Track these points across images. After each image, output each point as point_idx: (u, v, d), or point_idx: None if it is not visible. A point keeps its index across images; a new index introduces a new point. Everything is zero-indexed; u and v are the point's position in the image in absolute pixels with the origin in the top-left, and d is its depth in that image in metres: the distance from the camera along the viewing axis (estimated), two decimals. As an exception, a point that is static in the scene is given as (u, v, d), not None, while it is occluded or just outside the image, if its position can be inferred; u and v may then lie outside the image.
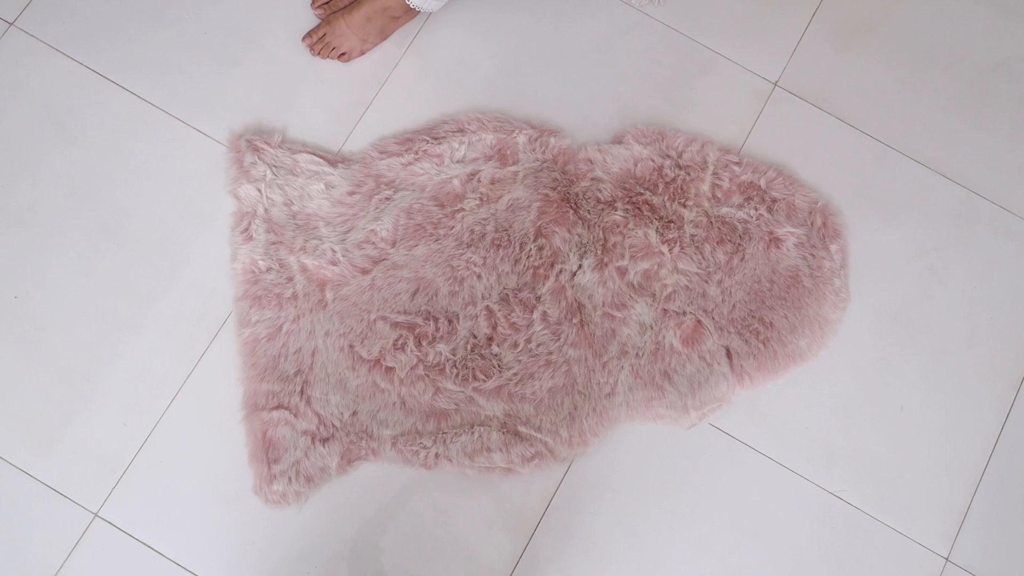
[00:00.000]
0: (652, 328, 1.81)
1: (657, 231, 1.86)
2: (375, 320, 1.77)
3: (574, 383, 1.77)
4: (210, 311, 1.79)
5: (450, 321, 1.78)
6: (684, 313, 1.82)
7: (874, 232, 1.94)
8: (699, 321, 1.82)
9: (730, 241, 1.87)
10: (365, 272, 1.80)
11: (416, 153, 1.89)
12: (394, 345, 1.76)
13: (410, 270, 1.80)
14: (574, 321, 1.79)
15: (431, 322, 1.78)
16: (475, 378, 1.76)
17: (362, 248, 1.82)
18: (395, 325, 1.77)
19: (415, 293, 1.80)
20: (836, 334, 1.86)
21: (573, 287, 1.82)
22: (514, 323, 1.79)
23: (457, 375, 1.75)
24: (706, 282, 1.84)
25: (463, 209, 1.86)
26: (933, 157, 2.00)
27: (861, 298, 1.90)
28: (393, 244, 1.82)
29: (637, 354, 1.80)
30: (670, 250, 1.85)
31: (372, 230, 1.82)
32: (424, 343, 1.77)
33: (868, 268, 1.92)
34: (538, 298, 1.81)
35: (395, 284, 1.79)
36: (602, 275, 1.82)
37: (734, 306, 1.84)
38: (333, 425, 1.72)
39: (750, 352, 1.81)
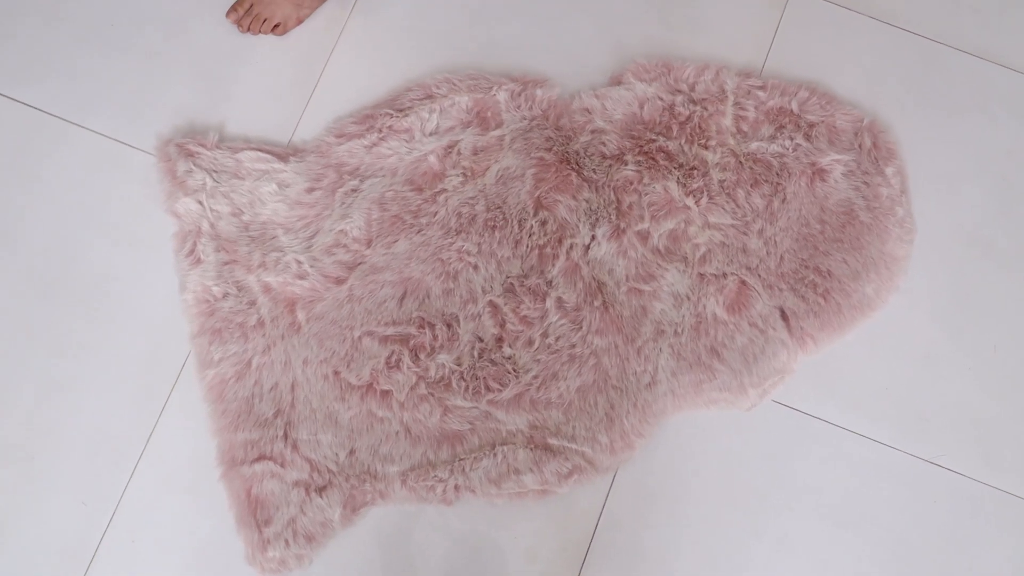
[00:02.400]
0: (689, 298, 1.51)
1: (678, 182, 1.56)
2: (360, 337, 1.48)
3: (606, 377, 1.48)
4: (164, 355, 1.50)
5: (449, 325, 1.49)
6: (724, 275, 1.52)
7: (933, 145, 1.63)
8: (743, 282, 1.52)
9: (766, 182, 1.56)
10: (340, 282, 1.51)
11: (380, 131, 1.58)
12: (387, 364, 1.46)
13: (393, 272, 1.50)
14: (596, 304, 1.49)
15: (427, 330, 1.48)
16: (488, 389, 1.46)
17: (332, 254, 1.52)
18: (385, 340, 1.48)
19: (403, 298, 1.50)
20: (906, 273, 1.56)
21: (589, 263, 1.52)
22: (525, 317, 1.49)
23: (467, 388, 1.46)
24: (745, 234, 1.54)
25: (445, 190, 1.55)
26: (989, 46, 1.68)
27: (929, 226, 1.60)
28: (368, 244, 1.52)
29: (676, 332, 1.50)
30: (697, 202, 1.54)
31: (341, 231, 1.52)
32: (422, 356, 1.47)
33: (932, 189, 1.61)
34: (549, 283, 1.51)
35: (378, 291, 1.50)
36: (621, 244, 1.52)
37: (782, 258, 1.54)
38: (329, 470, 1.44)
39: (809, 310, 1.51)
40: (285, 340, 1.49)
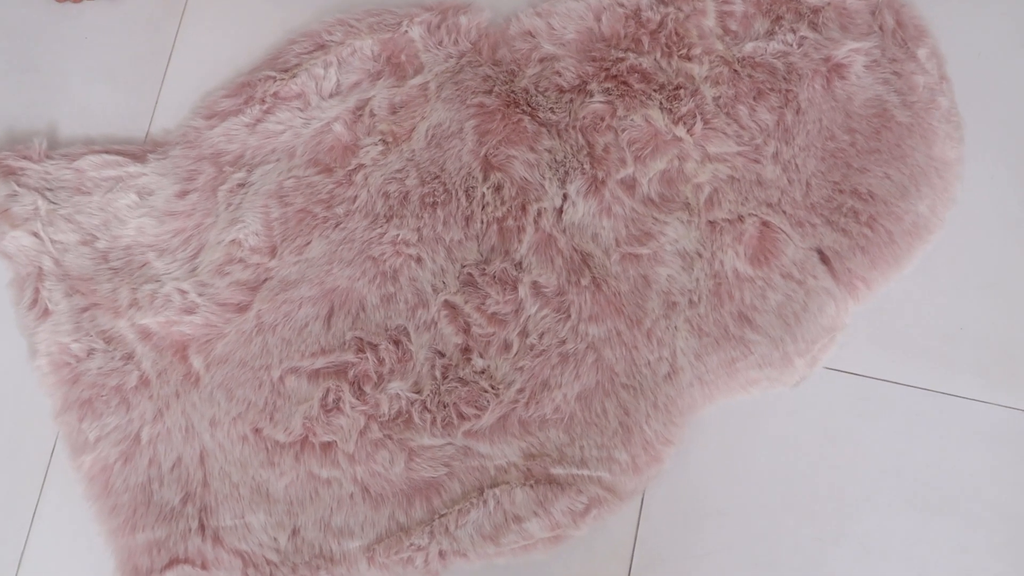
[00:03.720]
0: (701, 255, 1.16)
1: (662, 108, 1.20)
2: (281, 377, 1.11)
3: (612, 376, 1.12)
4: (24, 446, 1.11)
5: (397, 343, 1.12)
6: (740, 218, 1.17)
7: (969, 15, 1.29)
8: (765, 223, 1.17)
9: (772, 91, 1.21)
10: (243, 309, 1.13)
11: (263, 102, 1.19)
12: (323, 407, 1.09)
13: (311, 284, 1.13)
14: (583, 282, 1.14)
15: (368, 353, 1.11)
16: (462, 417, 1.10)
17: (226, 273, 1.13)
18: (315, 376, 1.11)
19: (330, 317, 1.13)
20: (961, 179, 1.23)
21: (565, 232, 1.16)
22: (494, 315, 1.13)
23: (434, 421, 1.10)
24: (757, 162, 1.19)
25: (363, 165, 1.18)
26: None
27: (978, 117, 1.26)
28: (272, 252, 1.14)
29: (692, 301, 1.15)
30: (689, 131, 1.19)
31: (233, 241, 1.14)
32: (368, 389, 1.10)
33: (975, 71, 1.28)
34: (518, 265, 1.15)
35: (295, 313, 1.12)
36: (602, 200, 1.16)
37: (808, 185, 1.19)
38: (268, 561, 1.07)
39: (853, 245, 1.17)
40: (181, 398, 1.10)
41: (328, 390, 1.10)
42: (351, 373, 1.11)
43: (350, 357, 1.11)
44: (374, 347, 1.12)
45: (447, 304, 1.14)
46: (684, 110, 1.20)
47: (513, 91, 1.20)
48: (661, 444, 1.12)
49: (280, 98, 1.20)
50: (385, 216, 1.16)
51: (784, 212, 1.18)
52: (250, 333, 1.12)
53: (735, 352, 1.15)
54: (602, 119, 1.19)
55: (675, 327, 1.15)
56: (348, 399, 1.10)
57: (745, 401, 1.17)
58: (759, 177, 1.19)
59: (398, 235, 1.15)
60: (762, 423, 1.18)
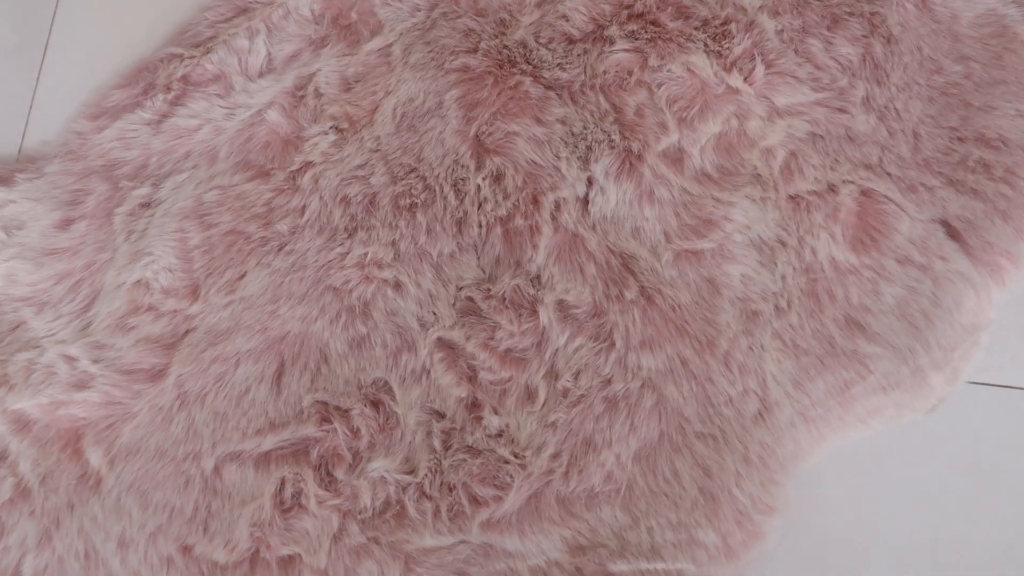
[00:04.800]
0: (785, 244, 0.84)
1: (707, 51, 0.88)
2: (217, 468, 0.78)
3: (682, 422, 0.80)
4: None
5: (376, 404, 0.80)
6: (831, 188, 0.85)
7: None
8: (865, 192, 0.85)
9: (851, 15, 0.90)
10: (157, 376, 0.80)
11: (168, 90, 0.88)
12: (279, 506, 0.77)
13: (250, 333, 0.81)
14: (627, 296, 0.81)
15: (337, 423, 0.79)
16: (476, 501, 0.78)
17: (131, 328, 0.81)
18: (264, 461, 0.78)
19: (279, 376, 0.80)
20: (1117, 109, 0.91)
21: (595, 228, 0.84)
22: (508, 352, 0.81)
23: (437, 511, 0.77)
24: (843, 111, 0.87)
25: (310, 163, 0.86)
26: None
27: None
28: (193, 293, 0.82)
29: (778, 308, 0.83)
30: (747, 78, 0.87)
31: (139, 281, 0.82)
32: (340, 472, 0.78)
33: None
34: (535, 280, 0.83)
35: (230, 375, 0.80)
36: (640, 182, 0.85)
37: (917, 135, 0.87)
38: None
39: (989, 209, 0.85)
40: (77, 511, 0.78)
41: (284, 481, 0.78)
42: (314, 453, 0.79)
43: (311, 431, 0.79)
44: (344, 413, 0.80)
45: (442, 343, 0.81)
46: (738, 51, 0.88)
47: (506, 46, 0.89)
48: (760, 514, 0.79)
49: (192, 83, 0.88)
50: (346, 229, 0.84)
51: (889, 175, 0.86)
52: (169, 409, 0.80)
53: (847, 373, 0.82)
54: (629, 73, 0.88)
55: (761, 346, 0.82)
56: (313, 491, 0.77)
57: (865, 440, 0.84)
58: (849, 131, 0.87)
59: (366, 253, 0.83)
60: (891, 467, 0.85)
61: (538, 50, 0.89)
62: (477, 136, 0.86)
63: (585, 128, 0.86)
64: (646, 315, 0.81)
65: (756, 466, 0.80)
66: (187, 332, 0.82)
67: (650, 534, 0.78)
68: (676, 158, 0.87)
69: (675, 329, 0.81)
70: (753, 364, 0.82)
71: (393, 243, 0.83)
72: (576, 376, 0.81)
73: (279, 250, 0.84)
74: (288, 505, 0.78)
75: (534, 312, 0.82)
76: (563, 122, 0.87)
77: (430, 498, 0.77)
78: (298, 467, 0.78)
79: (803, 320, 0.83)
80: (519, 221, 0.84)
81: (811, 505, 0.83)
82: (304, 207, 0.85)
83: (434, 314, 0.82)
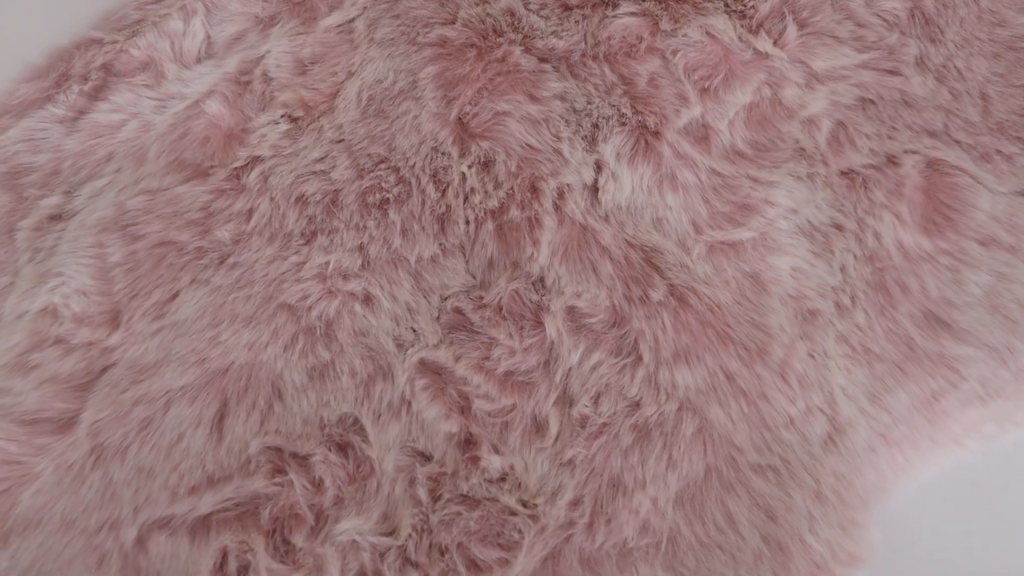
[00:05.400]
0: (840, 228, 0.69)
1: (728, 11, 0.75)
2: (141, 539, 0.60)
3: (732, 452, 0.63)
4: None
5: (343, 447, 0.63)
6: (890, 160, 0.70)
7: None
8: (932, 163, 0.70)
9: (893, -36, 0.76)
10: (66, 426, 0.63)
11: (85, 80, 0.73)
12: (219, 586, 0.59)
13: (183, 366, 0.64)
14: (654, 297, 0.65)
15: (294, 473, 0.61)
16: (476, 567, 0.60)
17: (33, 366, 0.65)
18: (201, 528, 0.61)
19: (221, 420, 0.64)
20: None
21: (608, 219, 0.68)
22: (509, 375, 0.64)
23: None
24: (894, 73, 0.73)
25: (258, 159, 0.71)
26: None
27: None
28: (113, 321, 0.66)
29: (840, 305, 0.67)
30: (777, 41, 0.73)
31: (45, 309, 0.66)
32: (299, 538, 0.60)
33: None
34: (539, 283, 0.67)
35: (158, 421, 0.63)
36: (659, 164, 0.70)
37: (985, 96, 0.73)
38: None
39: (1084, 178, 0.70)
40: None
41: (226, 552, 0.60)
42: (265, 514, 0.61)
43: (261, 485, 0.62)
44: (303, 461, 0.62)
45: (425, 367, 0.65)
46: (764, 10, 0.74)
47: (490, 14, 0.75)
48: (842, 565, 0.62)
49: (115, 72, 0.74)
50: (303, 234, 0.68)
51: (958, 143, 0.71)
52: (80, 468, 0.63)
53: (935, 382, 0.66)
54: (639, 39, 0.73)
55: (824, 353, 0.66)
56: (264, 564, 0.59)
57: (962, 465, 0.67)
58: (904, 95, 0.73)
59: (328, 262, 0.67)
60: (995, 497, 0.67)
61: (528, 17, 0.75)
62: (459, 119, 0.71)
63: (589, 103, 0.72)
64: (678, 320, 0.65)
65: (832, 504, 0.62)
66: (104, 369, 0.65)
67: (703, 600, 0.60)
68: (701, 135, 0.72)
69: (716, 336, 0.65)
70: (816, 375, 0.65)
71: (361, 248, 0.68)
72: (596, 401, 0.64)
73: (220, 263, 0.68)
74: (233, 584, 0.60)
75: (539, 323, 0.66)
76: (562, 98, 0.72)
77: (416, 566, 0.60)
78: (245, 533, 0.61)
79: (872, 319, 0.67)
80: (515, 213, 0.68)
81: (898, 551, 0.66)
82: (251, 210, 0.69)
83: (414, 331, 0.66)
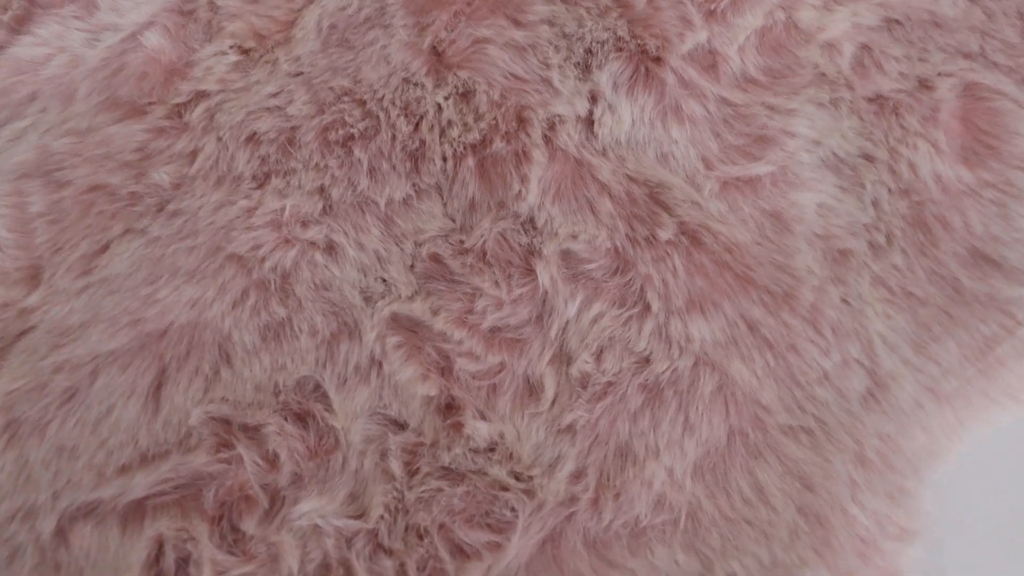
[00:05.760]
0: (870, 158, 0.60)
1: (733, -73, 0.66)
2: (61, 530, 0.50)
3: (758, 411, 0.54)
4: None
5: (302, 417, 0.53)
6: (924, 84, 0.62)
7: None
8: (969, 86, 0.62)
9: None
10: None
11: (5, 10, 0.64)
12: (154, 583, 0.49)
13: (113, 328, 0.54)
14: (661, 236, 0.56)
15: (243, 447, 0.52)
16: (461, 552, 0.50)
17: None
18: (132, 512, 0.51)
19: (158, 388, 0.54)
20: None
21: (606, 153, 0.59)
22: (494, 330, 0.55)
23: (401, 571, 0.49)
24: (921, -10, 0.65)
25: (203, 94, 0.62)
26: None
27: None
28: (33, 278, 0.56)
29: (874, 245, 0.59)
30: (788, -44, 0.65)
31: (-48, 267, 0.56)
32: (249, 523, 0.50)
33: None
34: (528, 224, 0.57)
35: (83, 392, 0.53)
36: (662, 94, 0.61)
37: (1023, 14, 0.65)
38: None
39: None
40: None
41: (162, 542, 0.50)
42: (210, 497, 0.51)
43: (203, 461, 0.52)
44: (254, 433, 0.53)
45: (397, 322, 0.55)
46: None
47: (466, -67, 0.66)
48: (892, 540, 0.53)
49: (40, 4, 0.65)
50: (255, 177, 0.59)
51: (996, 65, 0.63)
52: (-10, 446, 0.53)
53: (987, 327, 0.57)
54: (633, -45, 0.65)
55: (859, 297, 0.57)
56: (208, 555, 0.50)
57: (1020, 423, 0.58)
58: (933, 16, 0.65)
59: (284, 208, 0.58)
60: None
61: (506, -67, 0.66)
62: (434, 48, 0.62)
63: (581, 27, 0.63)
64: (691, 261, 0.56)
65: (877, 469, 0.53)
66: (21, 333, 0.56)
67: (734, 585, 0.51)
68: (708, 63, 0.63)
69: (734, 279, 0.56)
70: (851, 323, 0.56)
71: (322, 191, 0.59)
72: (598, 357, 0.55)
73: (158, 211, 0.59)
74: (171, 581, 0.50)
75: (529, 270, 0.57)
76: (550, 23, 0.63)
77: (390, 552, 0.50)
78: (185, 520, 0.51)
79: (912, 259, 0.58)
80: (499, 146, 0.59)
81: (955, 524, 0.56)
82: (195, 151, 0.60)
83: (384, 282, 0.57)
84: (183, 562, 0.50)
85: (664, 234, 0.57)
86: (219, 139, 0.60)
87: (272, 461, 0.52)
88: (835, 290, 0.57)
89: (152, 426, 0.53)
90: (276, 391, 0.54)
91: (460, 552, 0.50)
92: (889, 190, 0.60)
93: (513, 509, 0.51)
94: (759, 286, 0.56)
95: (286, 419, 0.53)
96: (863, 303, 0.57)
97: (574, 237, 0.57)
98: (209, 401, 0.53)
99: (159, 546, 0.50)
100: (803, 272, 0.57)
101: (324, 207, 0.58)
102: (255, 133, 0.60)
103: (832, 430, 0.54)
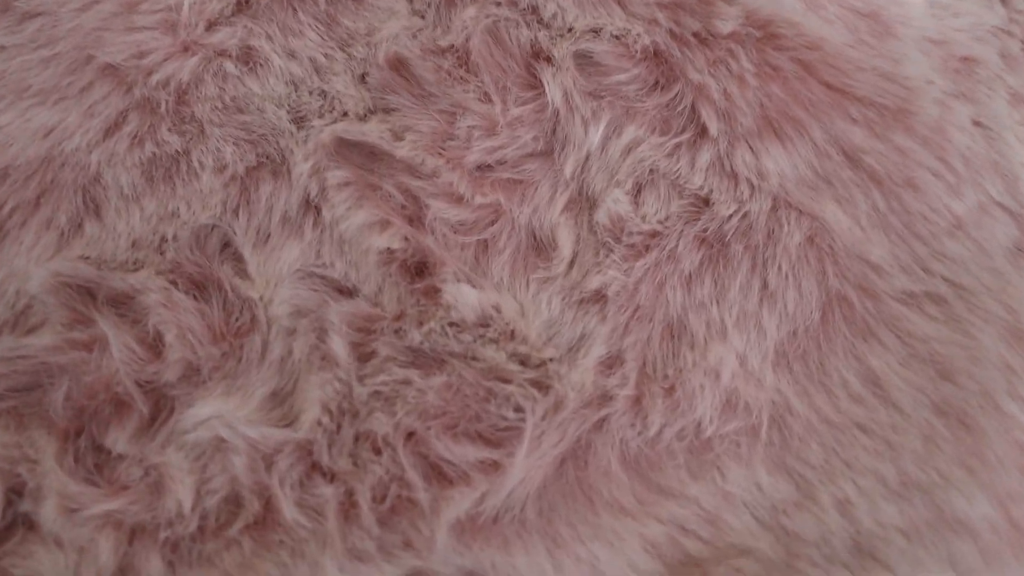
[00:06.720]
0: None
1: None
2: None
3: (867, 273, 0.37)
4: None
5: (200, 284, 0.36)
6: None
7: None
8: None
9: None
10: None
11: None
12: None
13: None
14: (722, 29, 0.39)
15: (109, 324, 0.34)
16: (441, 476, 0.33)
17: None
18: None
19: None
20: None
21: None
22: (484, 169, 0.37)
23: (348, 506, 0.32)
24: None
25: None
26: None
27: None
28: None
29: (1006, 54, 0.41)
30: None
31: None
32: (119, 437, 0.33)
33: None
34: (529, 15, 0.40)
35: None
36: None
37: None
38: None
39: None
40: None
41: (-17, 467, 0.33)
42: (58, 398, 0.34)
43: (49, 345, 0.34)
44: (125, 304, 0.35)
45: (343, 149, 0.38)
46: None
47: None
48: None
49: None
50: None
51: None
52: None
53: None
54: None
55: (994, 118, 0.41)
56: (57, 485, 0.32)
57: None
58: None
59: (181, 3, 0.40)
60: None
61: None
62: None
63: None
64: (764, 64, 0.39)
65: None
66: None
67: (843, 513, 0.34)
68: None
69: (825, 90, 0.40)
70: (987, 152, 0.40)
71: (230, -27, 0.41)
72: (636, 197, 0.38)
73: (3, 11, 0.41)
74: (6, 521, 0.33)
75: (532, 80, 0.39)
76: None
77: (332, 475, 0.33)
78: (19, 433, 0.33)
79: None
80: (486, -86, 0.42)
81: None
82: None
83: (323, 96, 0.39)
84: (16, 493, 0.33)
85: (725, 26, 0.40)
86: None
87: (153, 346, 0.35)
88: (963, 108, 0.40)
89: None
90: (162, 247, 0.36)
91: (438, 474, 0.33)
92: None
93: (518, 409, 0.34)
94: (860, 98, 0.39)
95: (175, 285, 0.35)
96: (1001, 127, 0.41)
97: (595, 33, 0.40)
98: (62, 261, 0.36)
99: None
100: (917, 82, 0.40)
101: (239, 3, 0.41)
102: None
103: (973, 296, 0.37)
